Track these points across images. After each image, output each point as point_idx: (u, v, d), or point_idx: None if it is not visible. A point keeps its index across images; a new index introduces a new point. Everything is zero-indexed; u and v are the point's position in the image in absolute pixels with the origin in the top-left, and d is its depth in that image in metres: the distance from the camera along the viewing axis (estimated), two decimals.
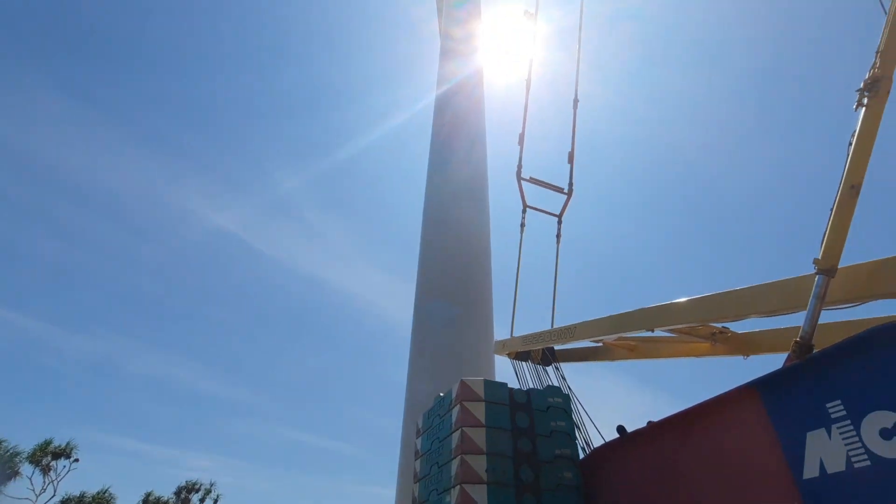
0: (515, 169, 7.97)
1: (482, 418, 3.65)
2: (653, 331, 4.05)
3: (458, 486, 3.34)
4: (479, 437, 3.55)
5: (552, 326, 7.33)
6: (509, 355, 6.85)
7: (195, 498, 29.04)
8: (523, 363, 6.79)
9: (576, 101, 8.98)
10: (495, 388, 3.87)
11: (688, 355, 4.96)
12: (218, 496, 29.39)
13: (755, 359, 4.49)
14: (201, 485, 29.42)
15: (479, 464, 3.42)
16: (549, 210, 7.95)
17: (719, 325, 4.17)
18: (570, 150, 8.55)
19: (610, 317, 4.49)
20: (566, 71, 9.27)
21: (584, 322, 4.93)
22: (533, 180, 8.00)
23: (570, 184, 8.22)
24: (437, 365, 9.02)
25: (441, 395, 4.27)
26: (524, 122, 8.36)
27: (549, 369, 6.68)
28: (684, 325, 3.86)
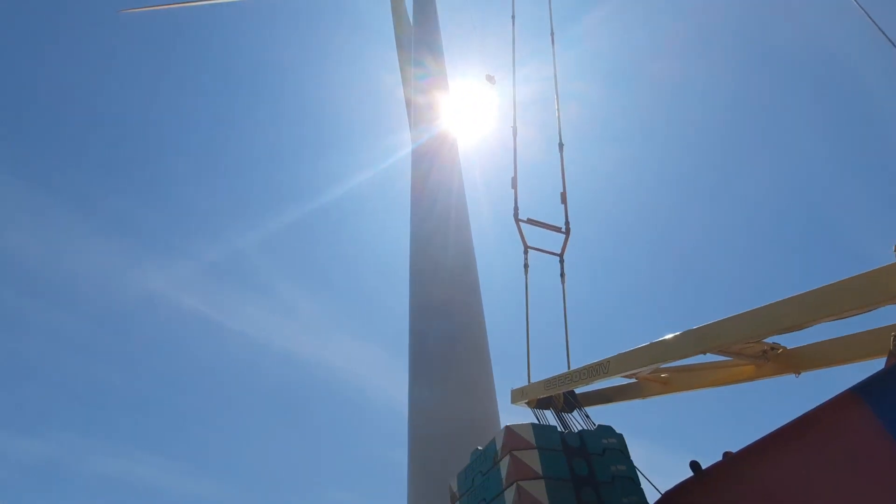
0: (512, 212, 7.88)
1: (538, 468, 3.20)
2: (704, 354, 3.75)
3: None
4: (538, 490, 3.09)
5: (569, 369, 6.93)
6: (529, 404, 6.37)
7: None
8: (545, 411, 6.32)
9: (561, 144, 9.14)
10: (545, 433, 3.45)
11: (730, 382, 4.65)
12: None
13: (805, 376, 4.22)
14: None
15: None
16: (550, 250, 7.80)
17: (770, 342, 3.91)
18: (562, 191, 8.58)
19: (651, 344, 4.18)
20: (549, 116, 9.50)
21: (618, 355, 4.58)
22: (531, 221, 7.90)
23: (567, 223, 8.15)
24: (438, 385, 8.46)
25: (479, 448, 3.79)
26: (515, 166, 8.39)
27: (573, 416, 6.23)
28: (740, 343, 3.58)
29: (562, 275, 7.68)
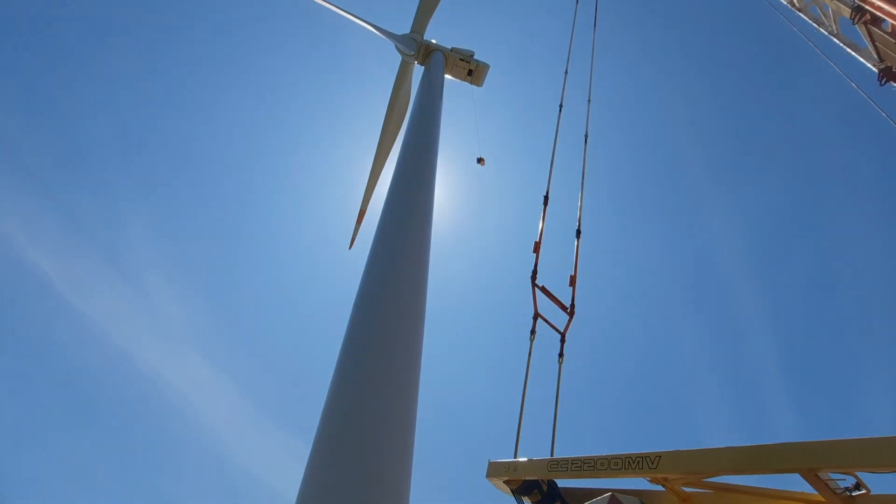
0: (530, 274, 7.54)
1: None
2: (802, 472, 3.36)
3: None
4: None
5: (552, 455, 6.27)
6: (509, 483, 5.55)
7: None
8: (523, 498, 5.52)
9: (578, 231, 9.17)
10: None
11: None
12: None
13: None
14: None
15: None
16: (555, 325, 7.43)
17: (853, 482, 3.62)
18: (572, 274, 8.43)
19: (728, 448, 3.74)
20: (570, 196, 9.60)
21: (674, 452, 4.07)
22: (544, 290, 7.57)
23: (573, 305, 7.91)
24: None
25: None
26: (541, 233, 8.18)
27: None
28: (855, 469, 3.25)
29: (560, 354, 7.27)
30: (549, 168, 9.38)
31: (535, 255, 7.84)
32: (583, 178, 10.23)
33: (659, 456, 4.14)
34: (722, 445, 3.96)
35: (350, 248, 13.44)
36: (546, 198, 8.83)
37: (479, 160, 14.07)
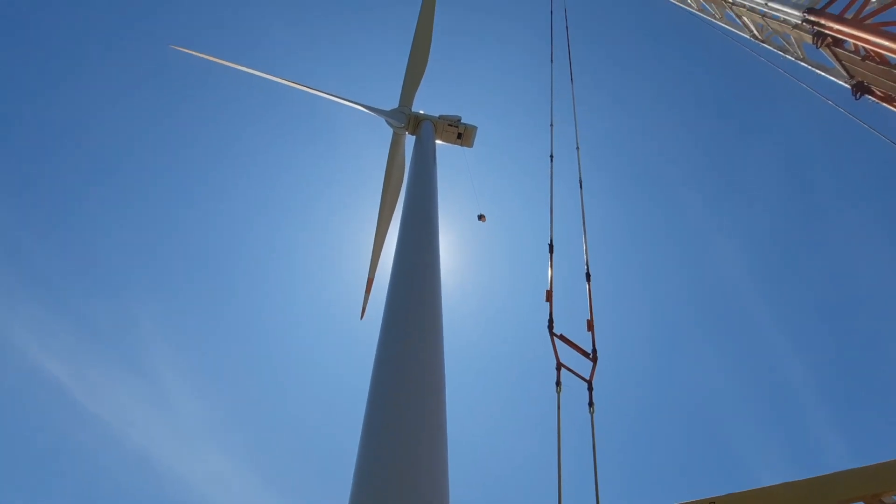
0: (546, 324, 7.45)
1: None
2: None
3: None
4: None
5: None
6: None
7: None
8: None
9: (588, 274, 9.16)
10: None
11: None
12: None
13: None
14: None
15: None
16: (580, 374, 7.23)
17: None
18: (588, 318, 8.32)
19: (785, 485, 3.52)
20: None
21: (730, 495, 3.83)
22: (563, 338, 7.44)
23: (594, 350, 7.74)
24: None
25: None
26: (551, 281, 8.18)
27: None
28: None
29: (590, 403, 7.02)
30: (549, 217, 9.53)
31: (548, 303, 7.79)
32: (583, 222, 10.36)
33: (713, 502, 3.89)
34: (773, 482, 3.74)
35: (361, 318, 13.41)
36: (551, 246, 8.90)
37: (480, 217, 14.33)
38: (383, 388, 4.66)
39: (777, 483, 3.75)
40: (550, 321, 7.46)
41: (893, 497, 3.26)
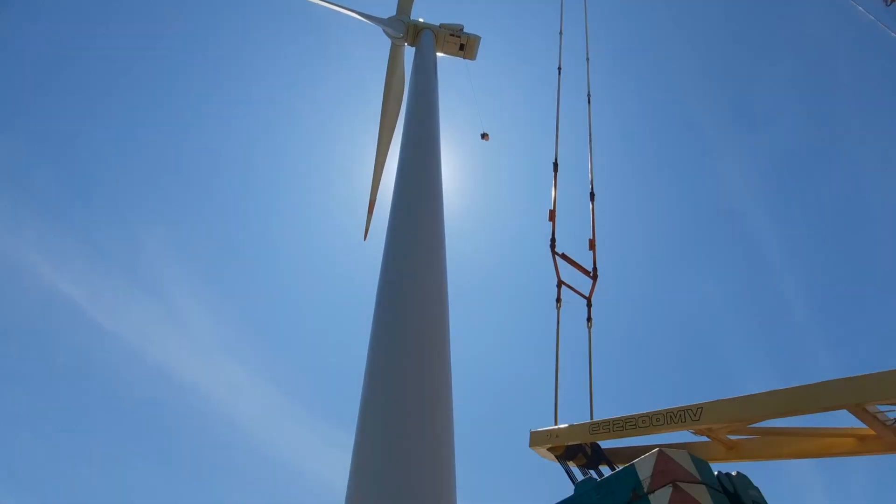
0: (549, 243, 7.48)
1: None
2: (852, 408, 3.32)
3: None
4: None
5: (591, 419, 6.30)
6: (553, 450, 5.60)
7: None
8: (569, 463, 5.56)
9: (592, 194, 9.03)
10: (703, 467, 2.77)
11: (820, 455, 4.22)
12: None
13: None
14: None
15: None
16: (580, 291, 7.40)
17: None
18: (591, 238, 8.33)
19: (771, 392, 3.70)
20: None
21: (716, 402, 4.05)
22: (565, 257, 7.51)
23: (595, 268, 7.84)
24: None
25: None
26: (554, 200, 8.09)
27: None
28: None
29: (588, 319, 7.25)
30: (555, 134, 9.21)
31: (551, 223, 7.76)
32: (590, 139, 10.04)
33: (701, 408, 4.12)
34: (762, 391, 3.93)
35: (365, 239, 13.51)
36: (555, 164, 8.69)
37: (483, 135, 13.92)
38: (387, 310, 4.78)
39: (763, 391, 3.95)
40: (553, 240, 7.48)
41: (878, 406, 3.43)
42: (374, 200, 13.45)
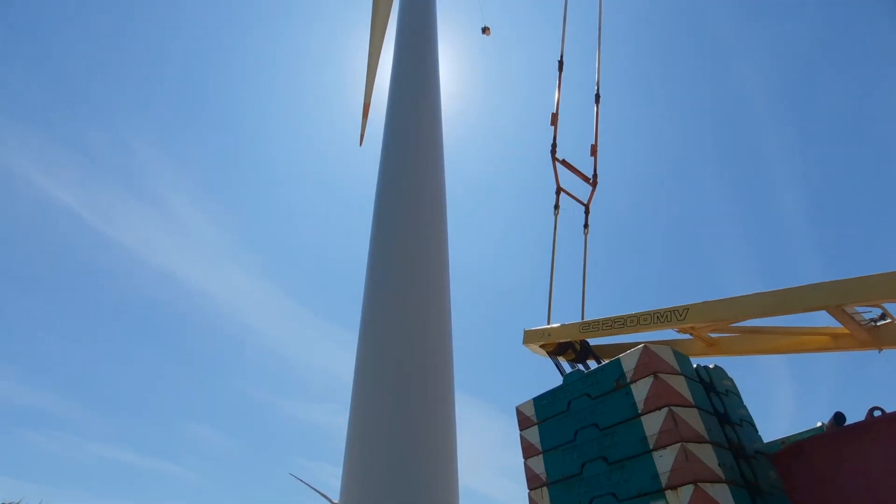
0: (549, 148, 7.32)
1: (688, 396, 2.72)
2: (831, 310, 3.49)
3: (692, 487, 2.36)
4: (693, 419, 2.62)
5: (582, 319, 6.60)
6: (545, 347, 5.97)
7: None
8: (560, 359, 5.95)
9: (597, 96, 8.65)
10: (683, 360, 2.98)
11: (795, 351, 4.51)
12: None
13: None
14: None
15: (708, 455, 2.49)
16: (578, 198, 7.38)
17: (878, 313, 3.74)
18: (593, 143, 8.13)
19: (755, 294, 3.86)
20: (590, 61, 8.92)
21: (702, 303, 4.24)
22: (565, 163, 7.39)
23: (595, 175, 7.76)
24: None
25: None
26: (557, 102, 7.76)
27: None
28: (882, 301, 3.34)
29: (586, 225, 7.32)
30: (561, 29, 8.59)
31: (552, 127, 7.53)
32: (599, 35, 9.38)
33: (687, 308, 4.31)
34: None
35: (360, 144, 13.18)
36: (560, 62, 8.22)
37: (484, 29, 13.13)
38: (386, 221, 4.80)
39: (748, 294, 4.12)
40: (553, 145, 7.31)
41: (856, 308, 3.60)
42: (369, 104, 12.90)
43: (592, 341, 5.99)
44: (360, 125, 13.15)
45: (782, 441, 3.22)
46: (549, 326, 5.94)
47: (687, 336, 4.92)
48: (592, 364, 5.87)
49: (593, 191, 7.62)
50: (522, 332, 6.26)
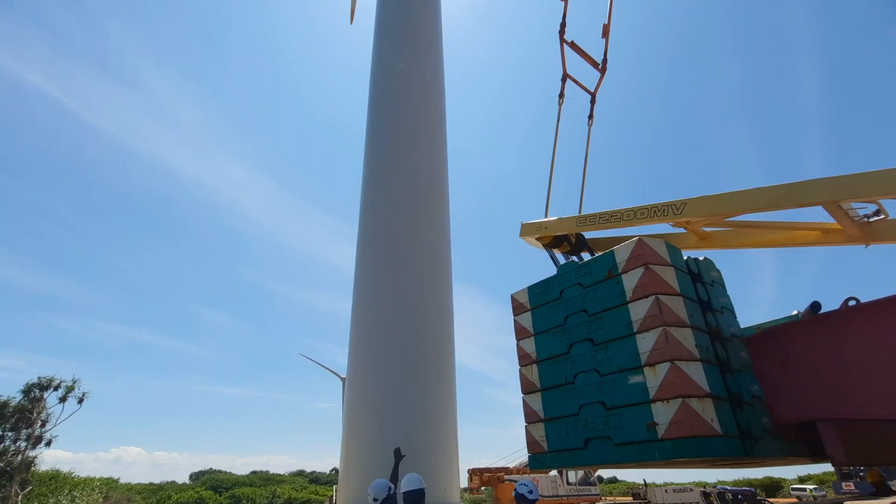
0: (558, 28, 6.77)
1: (675, 286, 2.86)
2: (835, 204, 3.52)
3: (668, 364, 2.58)
4: (677, 306, 2.78)
5: (580, 213, 6.67)
6: (541, 240, 6.11)
7: (53, 396, 25.39)
8: (555, 251, 6.12)
9: None
10: (675, 252, 3.08)
11: (785, 245, 4.64)
12: (84, 393, 25.97)
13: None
14: (60, 381, 25.67)
15: (687, 338, 2.68)
16: (584, 85, 7.01)
17: (873, 209, 3.78)
18: (605, 22, 7.50)
19: (753, 189, 3.86)
20: None
21: (700, 197, 4.25)
22: (573, 45, 6.90)
23: (605, 60, 7.29)
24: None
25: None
26: None
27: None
28: (880, 197, 3.36)
29: (590, 116, 7.05)
30: None
31: (562, 2, 6.90)
32: None
33: (685, 203, 4.34)
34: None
35: (351, 23, 12.19)
36: None
37: None
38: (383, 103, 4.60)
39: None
40: (563, 24, 6.76)
41: (852, 204, 3.63)
42: None
43: (588, 235, 6.12)
44: (350, 1, 12.06)
45: (758, 327, 3.45)
46: (546, 220, 6.02)
47: (681, 230, 5.02)
48: (587, 256, 6.06)
49: (601, 78, 7.21)
50: (520, 225, 6.37)
